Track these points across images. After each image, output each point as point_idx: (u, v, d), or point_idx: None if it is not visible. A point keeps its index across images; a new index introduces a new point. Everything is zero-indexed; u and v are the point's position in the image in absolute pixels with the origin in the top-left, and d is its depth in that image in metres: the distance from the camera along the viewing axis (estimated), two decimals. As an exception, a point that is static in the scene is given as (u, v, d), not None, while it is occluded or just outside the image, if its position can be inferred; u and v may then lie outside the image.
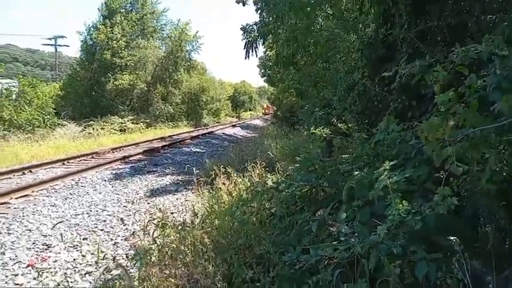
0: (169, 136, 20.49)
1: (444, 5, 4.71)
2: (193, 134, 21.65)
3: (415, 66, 2.73)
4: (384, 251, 2.19)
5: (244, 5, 14.07)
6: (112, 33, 27.28)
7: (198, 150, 14.58)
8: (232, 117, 55.77)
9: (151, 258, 3.10)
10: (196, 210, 4.75)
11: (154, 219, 4.49)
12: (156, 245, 3.55)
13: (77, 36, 28.70)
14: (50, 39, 37.31)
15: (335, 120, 7.31)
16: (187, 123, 33.10)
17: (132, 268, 3.36)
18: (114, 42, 27.28)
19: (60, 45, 39.06)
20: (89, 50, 28.53)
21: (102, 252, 4.51)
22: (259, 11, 12.69)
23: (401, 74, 3.03)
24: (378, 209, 2.77)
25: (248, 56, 13.34)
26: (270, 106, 58.24)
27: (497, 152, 2.23)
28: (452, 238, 2.24)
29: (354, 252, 2.33)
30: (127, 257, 4.21)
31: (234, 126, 32.35)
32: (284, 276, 2.69)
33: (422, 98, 4.02)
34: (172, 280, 2.67)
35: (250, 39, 13.19)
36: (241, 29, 13.89)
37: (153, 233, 3.68)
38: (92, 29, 28.62)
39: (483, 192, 2.34)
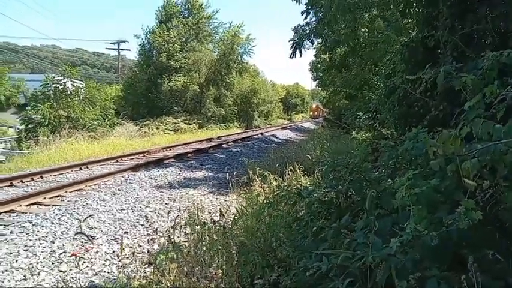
0: (219, 137, 21.01)
1: (493, 7, 4.42)
2: (243, 136, 22.00)
3: (438, 71, 2.62)
4: (394, 264, 2.13)
5: (299, 4, 14.14)
6: (168, 36, 28.53)
7: (244, 151, 14.81)
8: (284, 119, 55.77)
9: (176, 255, 3.25)
10: (224, 211, 4.87)
11: (188, 218, 4.69)
12: (183, 242, 3.72)
13: (136, 39, 30.25)
14: (113, 43, 39.76)
15: (377, 125, 7.12)
16: (239, 125, 33.71)
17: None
18: (170, 45, 28.51)
19: (122, 49, 41.49)
20: (147, 53, 30.10)
21: (139, 246, 4.81)
22: (305, 14, 12.73)
23: (426, 79, 2.91)
24: (400, 220, 2.69)
25: (294, 55, 13.39)
26: (320, 108, 56.63)
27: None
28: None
29: (366, 262, 2.29)
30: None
31: (284, 128, 32.39)
32: (299, 282, 2.71)
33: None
34: (185, 279, 2.79)
35: (297, 39, 13.22)
36: (292, 29, 13.95)
37: (179, 231, 3.84)
38: (149, 33, 30.15)
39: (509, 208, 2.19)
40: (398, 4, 6.67)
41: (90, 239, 4.97)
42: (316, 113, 59.66)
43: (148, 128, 22.63)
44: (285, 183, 5.68)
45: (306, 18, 12.89)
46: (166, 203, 6.79)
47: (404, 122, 5.60)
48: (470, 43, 4.59)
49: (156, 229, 5.09)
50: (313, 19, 13.21)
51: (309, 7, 12.62)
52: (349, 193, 3.39)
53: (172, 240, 3.58)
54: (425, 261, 2.20)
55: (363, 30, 11.05)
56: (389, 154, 3.44)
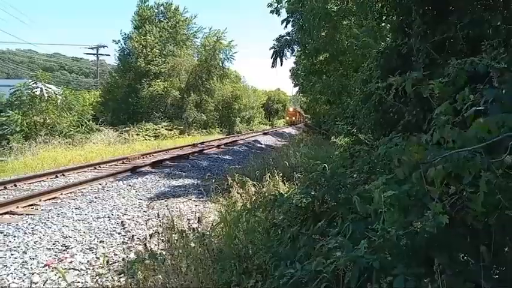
0: (201, 143, 20.89)
1: (462, 16, 4.56)
2: (224, 142, 21.94)
3: (408, 77, 2.69)
4: (363, 265, 2.17)
5: (278, 15, 14.38)
6: (145, 41, 28.33)
7: (225, 157, 14.77)
8: (266, 124, 55.89)
9: (152, 263, 3.20)
10: (203, 218, 4.84)
11: (166, 225, 4.63)
12: (160, 250, 3.67)
13: (115, 45, 30.01)
14: (92, 48, 39.26)
15: (355, 131, 7.23)
16: (220, 131, 33.66)
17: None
18: (148, 50, 28.32)
19: (101, 54, 41.09)
20: (126, 58, 29.79)
21: (115, 255, 4.72)
22: (285, 22, 12.92)
23: (397, 85, 2.98)
24: (374, 224, 2.73)
25: (275, 64, 13.56)
26: (299, 112, 51.87)
27: (493, 176, 2.11)
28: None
29: (338, 266, 2.32)
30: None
31: (265, 134, 32.45)
32: (275, 288, 2.71)
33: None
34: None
35: (277, 48, 13.37)
36: (274, 40, 14.11)
37: (157, 239, 3.80)
38: (127, 38, 29.90)
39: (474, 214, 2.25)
40: (374, 12, 6.83)
41: (65, 248, 4.86)
42: (294, 118, 53.51)
43: (128, 134, 22.32)
44: (264, 189, 5.70)
45: (286, 27, 13.10)
46: (144, 211, 6.70)
47: (380, 128, 5.71)
48: (442, 50, 4.72)
49: (133, 237, 5.02)
50: (294, 28, 13.44)
51: (289, 15, 12.81)
52: (325, 198, 3.42)
53: (149, 248, 3.53)
54: (394, 261, 2.24)
55: (342, 37, 11.24)
56: (364, 159, 3.50)
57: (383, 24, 6.67)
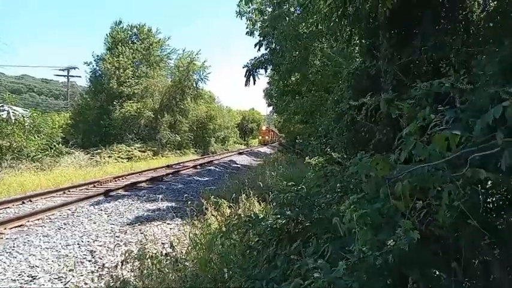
0: (175, 164, 20.63)
1: (426, 39, 4.79)
2: (199, 162, 21.76)
3: (379, 98, 2.78)
4: (342, 286, 2.17)
5: (253, 37, 14.71)
6: (118, 62, 28.13)
7: (200, 178, 14.62)
8: (241, 144, 55.92)
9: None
10: (177, 242, 4.74)
11: (138, 251, 4.49)
12: (133, 278, 3.55)
13: (87, 67, 29.58)
14: (62, 70, 38.58)
15: (328, 150, 7.35)
16: (195, 151, 33.37)
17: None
18: (121, 71, 28.10)
19: (72, 76, 40.37)
20: (97, 80, 29.40)
21: (85, 284, 4.52)
22: (258, 46, 13.22)
23: (369, 105, 3.08)
24: (348, 243, 2.75)
25: (248, 82, 13.76)
26: (273, 131, 50.76)
27: (454, 187, 2.21)
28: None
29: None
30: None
31: (240, 153, 32.46)
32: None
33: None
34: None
35: (250, 66, 13.61)
36: (247, 63, 14.36)
37: (130, 266, 3.68)
38: (99, 60, 29.61)
39: (441, 226, 2.32)
40: (343, 35, 7.07)
41: (31, 278, 4.62)
42: (267, 137, 51.89)
43: (100, 157, 21.76)
44: (239, 211, 5.65)
45: (259, 49, 13.40)
46: (116, 236, 6.49)
47: (352, 147, 5.83)
48: (408, 72, 4.92)
49: (103, 265, 4.84)
50: (267, 50, 13.77)
51: (262, 39, 13.12)
52: (299, 219, 3.43)
53: (120, 276, 3.41)
54: (371, 281, 2.26)
55: (313, 58, 11.55)
56: (336, 179, 3.54)
57: (352, 47, 6.90)
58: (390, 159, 2.47)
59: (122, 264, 3.56)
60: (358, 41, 6.62)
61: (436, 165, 2.04)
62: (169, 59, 33.93)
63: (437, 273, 2.49)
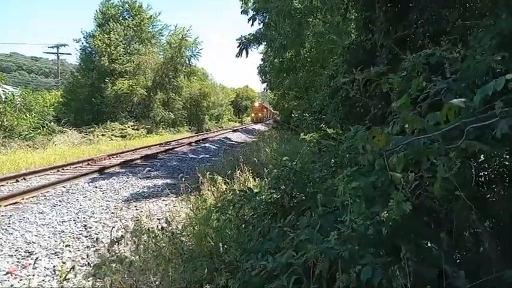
0: (169, 142, 20.59)
1: (422, 13, 4.73)
2: (193, 140, 21.73)
3: (370, 72, 2.76)
4: (333, 256, 2.21)
5: (247, 14, 14.45)
6: (109, 39, 27.59)
7: (194, 156, 14.62)
8: (235, 122, 55.78)
9: (120, 265, 3.11)
10: (173, 218, 4.77)
11: (134, 226, 4.52)
12: (129, 252, 3.59)
13: (76, 44, 28.99)
14: (52, 47, 37.78)
15: (323, 126, 7.34)
16: (189, 129, 33.30)
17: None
18: (112, 48, 27.59)
19: (62, 53, 39.69)
20: (88, 57, 28.88)
21: (82, 258, 4.56)
22: (251, 20, 13.00)
23: (358, 80, 3.06)
24: (341, 216, 2.78)
25: (240, 54, 13.61)
26: (267, 107, 49.19)
27: (448, 159, 2.21)
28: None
29: (309, 258, 2.35)
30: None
31: (235, 131, 32.41)
32: (246, 283, 2.71)
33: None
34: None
35: (244, 40, 13.42)
36: (239, 38, 14.15)
37: (125, 241, 3.71)
38: (89, 36, 29.00)
39: (433, 198, 2.35)
40: (339, 9, 6.95)
41: (28, 254, 4.65)
42: (260, 114, 49.16)
43: (93, 135, 21.61)
44: (234, 186, 5.68)
45: (252, 24, 13.19)
46: (112, 213, 6.52)
47: (347, 122, 5.84)
48: (404, 46, 4.87)
49: (97, 239, 4.88)
50: (260, 25, 13.54)
51: (255, 13, 12.88)
52: (294, 193, 3.45)
53: (116, 250, 3.44)
54: (362, 251, 2.30)
55: (307, 33, 11.38)
56: (331, 153, 3.55)
57: (346, 23, 6.80)
58: (384, 131, 2.47)
59: (118, 241, 3.58)
60: (353, 16, 6.52)
61: (432, 137, 2.04)
62: (161, 36, 33.37)
63: (428, 244, 2.54)
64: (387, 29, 5.04)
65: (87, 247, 4.93)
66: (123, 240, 4.00)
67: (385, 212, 2.31)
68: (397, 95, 2.66)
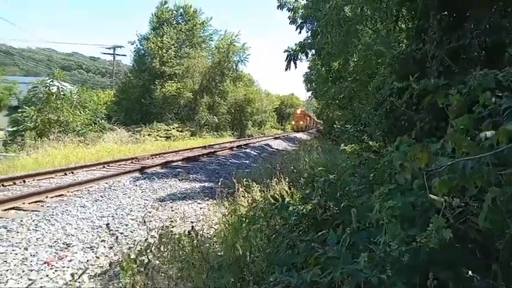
0: (211, 145, 20.89)
1: (479, 23, 4.40)
2: (235, 145, 21.89)
3: (427, 83, 2.57)
4: (361, 279, 2.05)
5: (295, 24, 14.38)
6: (162, 42, 28.61)
7: (234, 160, 14.69)
8: (278, 129, 55.66)
9: (143, 269, 3.12)
10: (205, 221, 4.75)
11: (166, 228, 4.56)
12: (158, 255, 3.59)
13: (130, 46, 30.52)
14: (109, 48, 39.80)
15: (366, 138, 7.06)
16: (232, 134, 33.65)
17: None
18: (164, 51, 28.59)
19: (118, 54, 41.59)
20: (141, 59, 30.13)
21: (115, 255, 4.66)
22: (299, 28, 12.89)
23: (411, 91, 2.86)
24: (375, 235, 2.60)
25: (289, 67, 13.49)
26: (308, 114, 47.26)
27: (500, 191, 1.95)
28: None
29: (335, 278, 2.20)
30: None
31: (276, 138, 32.31)
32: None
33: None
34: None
35: (292, 51, 13.32)
36: (284, 51, 14.06)
37: (156, 243, 3.72)
38: (143, 39, 30.27)
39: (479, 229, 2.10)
40: (391, 17, 6.69)
41: (66, 246, 4.82)
42: (302, 122, 46.44)
43: (140, 134, 22.46)
44: (269, 195, 5.57)
45: (300, 32, 13.07)
46: (149, 212, 6.65)
47: (391, 135, 5.55)
48: (456, 58, 4.57)
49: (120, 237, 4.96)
50: (308, 33, 13.39)
51: (303, 21, 12.77)
52: (327, 205, 3.29)
53: (143, 252, 3.45)
54: (393, 277, 2.11)
55: (355, 42, 11.10)
56: (370, 167, 3.36)
57: (396, 33, 6.51)
58: (431, 149, 2.27)
59: (149, 243, 3.60)
60: (403, 25, 6.23)
61: (481, 159, 1.82)
62: (211, 40, 34.14)
63: (469, 273, 2.29)
64: (440, 39, 4.74)
65: (121, 244, 5.03)
66: (154, 242, 4.04)
67: (423, 237, 2.12)
68: (455, 111, 2.42)
